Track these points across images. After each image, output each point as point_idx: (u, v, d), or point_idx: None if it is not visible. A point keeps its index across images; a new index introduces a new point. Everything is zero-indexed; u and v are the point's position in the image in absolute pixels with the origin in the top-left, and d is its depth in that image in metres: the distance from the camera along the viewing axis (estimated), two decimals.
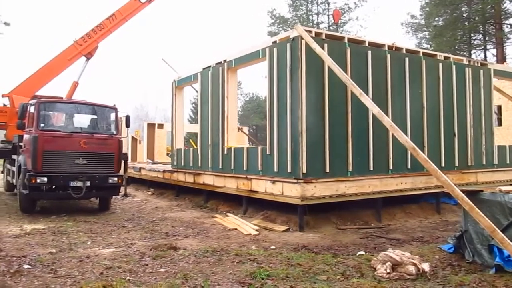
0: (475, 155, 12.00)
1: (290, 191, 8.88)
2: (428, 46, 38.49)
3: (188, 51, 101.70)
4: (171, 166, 15.24)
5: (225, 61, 11.64)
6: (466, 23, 35.92)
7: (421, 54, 11.10)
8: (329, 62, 8.33)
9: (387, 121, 7.02)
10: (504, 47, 34.67)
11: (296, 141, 8.80)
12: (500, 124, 18.78)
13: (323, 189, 8.86)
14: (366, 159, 9.67)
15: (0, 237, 7.97)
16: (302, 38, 8.79)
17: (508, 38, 34.85)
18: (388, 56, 10.26)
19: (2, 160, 15.84)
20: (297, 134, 8.77)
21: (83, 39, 16.34)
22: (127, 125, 12.86)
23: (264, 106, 43.90)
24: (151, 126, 25.05)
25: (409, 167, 10.35)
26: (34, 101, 11.51)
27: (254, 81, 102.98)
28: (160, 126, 25.34)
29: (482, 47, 37.58)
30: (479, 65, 12.57)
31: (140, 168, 17.94)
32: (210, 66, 12.40)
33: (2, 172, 16.50)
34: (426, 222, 9.94)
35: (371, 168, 9.70)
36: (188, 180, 13.41)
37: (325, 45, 9.10)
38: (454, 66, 11.69)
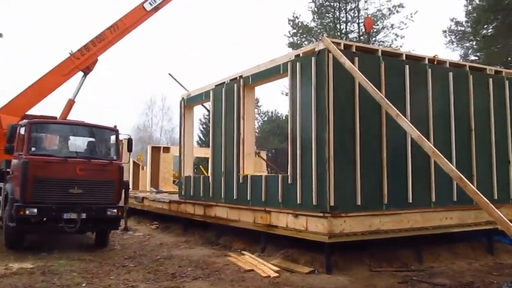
0: None
1: (315, 226, 8.84)
2: (476, 58, 38.35)
3: (198, 65, 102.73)
4: (178, 196, 15.26)
5: (241, 77, 11.79)
6: None
7: (467, 68, 11.09)
8: (360, 78, 8.39)
9: (428, 146, 7.01)
10: None
11: (323, 168, 8.80)
12: None
13: (354, 225, 8.81)
14: (404, 190, 9.60)
15: None
16: (329, 51, 8.88)
17: None
18: (429, 70, 10.28)
19: None
20: (324, 160, 8.78)
21: (80, 52, 16.61)
22: (129, 149, 12.99)
23: (285, 127, 43.86)
24: (155, 149, 25.15)
25: (455, 199, 10.24)
26: (24, 121, 11.74)
27: (273, 98, 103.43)
28: (166, 149, 25.42)
29: None
30: None
31: (143, 198, 17.99)
32: (224, 83, 12.56)
33: None
34: (476, 265, 9.77)
35: (410, 200, 9.63)
36: (197, 212, 13.41)
37: (356, 59, 9.17)
38: (507, 82, 11.63)
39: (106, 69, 56.61)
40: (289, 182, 9.74)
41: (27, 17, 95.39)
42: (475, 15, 38.38)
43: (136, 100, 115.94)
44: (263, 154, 26.49)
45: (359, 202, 8.96)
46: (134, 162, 25.66)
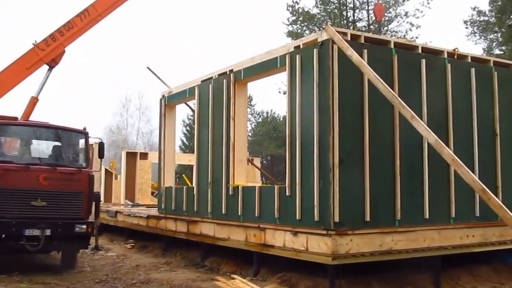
0: None
1: (317, 246, 8.83)
2: (501, 52, 38.60)
3: (182, 58, 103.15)
4: (157, 210, 15.25)
5: (231, 71, 11.80)
6: None
7: (491, 64, 11.18)
8: (370, 74, 8.42)
9: (447, 153, 7.05)
10: None
11: (326, 178, 8.81)
12: None
13: (362, 244, 8.82)
14: (419, 204, 9.64)
15: None
16: (334, 42, 8.91)
17: None
18: (448, 66, 10.35)
19: None
20: (328, 169, 8.79)
21: (45, 42, 16.57)
22: (101, 155, 12.93)
23: (282, 130, 43.98)
24: (131, 155, 25.15)
25: (477, 214, 10.29)
26: None
27: (269, 96, 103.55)
28: (144, 155, 25.48)
29: None
30: None
31: (116, 212, 17.96)
32: (211, 78, 12.57)
33: None
34: None
35: (427, 216, 9.65)
36: (180, 229, 13.41)
37: (365, 51, 9.20)
38: None
39: (75, 62, 56.51)
40: (287, 194, 9.73)
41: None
42: (499, 3, 38.71)
43: (110, 98, 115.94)
44: (257, 161, 26.55)
45: (368, 218, 8.96)
46: (106, 170, 25.66)
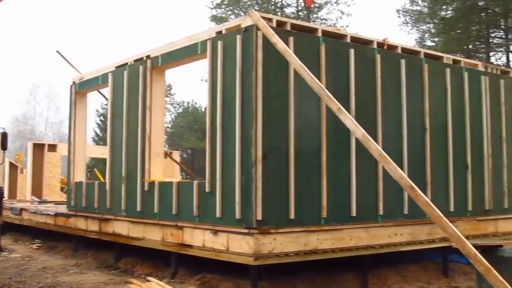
0: (494, 196, 12.41)
1: (239, 245, 8.82)
2: (433, 44, 39.92)
3: (96, 42, 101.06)
4: (67, 208, 14.95)
5: (148, 57, 11.62)
6: (483, 14, 37.52)
7: (422, 56, 11.47)
8: (295, 63, 8.45)
9: (375, 148, 7.16)
10: None
11: (249, 173, 8.80)
12: None
13: (287, 243, 8.86)
14: (346, 201, 9.78)
15: None
16: (258, 29, 8.88)
17: None
18: (378, 57, 10.53)
19: None
20: (250, 163, 8.78)
21: None
22: (4, 147, 12.64)
23: (204, 122, 43.95)
24: (38, 147, 24.44)
25: (406, 212, 10.55)
26: None
27: (190, 84, 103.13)
28: (52, 147, 24.87)
29: (504, 47, 39.27)
30: (499, 72, 13.12)
31: (21, 210, 17.58)
32: (126, 64, 12.35)
33: None
34: None
35: (354, 214, 9.80)
36: (91, 228, 13.19)
37: (291, 39, 9.23)
38: (466, 74, 12.14)
39: None
40: (207, 190, 9.68)
41: None
42: None
43: (15, 84, 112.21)
44: (176, 155, 26.40)
45: (292, 216, 9.01)
46: (11, 163, 25.07)
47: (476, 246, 5.95)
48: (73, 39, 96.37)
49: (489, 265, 5.63)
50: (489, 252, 6.18)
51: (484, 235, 11.75)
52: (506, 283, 5.47)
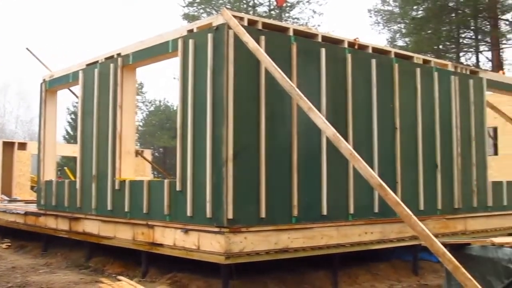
0: (463, 195, 12.53)
1: (210, 244, 8.80)
2: (404, 44, 40.29)
3: (67, 40, 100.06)
4: (36, 206, 14.82)
5: (118, 55, 11.53)
6: (453, 15, 37.97)
7: (392, 55, 11.53)
8: (266, 62, 8.45)
9: (345, 147, 7.19)
10: (502, 50, 36.79)
11: (219, 172, 8.78)
12: (496, 152, 19.70)
13: (258, 242, 8.86)
14: (317, 200, 9.81)
15: None
16: (229, 27, 8.86)
17: (507, 39, 37.01)
18: (349, 56, 10.57)
19: None
20: (221, 162, 8.76)
21: None
22: None
23: (176, 120, 43.77)
24: (8, 145, 24.28)
25: (376, 210, 10.62)
26: None
27: (162, 83, 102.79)
28: (22, 146, 24.70)
29: (474, 48, 39.80)
30: (468, 72, 13.26)
31: None
32: (97, 62, 12.24)
33: None
34: (399, 287, 10.20)
35: (325, 212, 9.83)
36: (61, 227, 13.07)
37: (262, 38, 9.22)
38: (436, 73, 12.24)
39: None
40: (177, 189, 9.64)
41: None
42: None
43: None
44: (148, 153, 26.36)
45: (263, 215, 9.01)
46: None
47: (445, 244, 6.01)
48: (46, 37, 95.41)
49: (457, 263, 5.68)
50: (457, 250, 6.26)
51: (454, 234, 11.88)
52: (474, 281, 5.53)
